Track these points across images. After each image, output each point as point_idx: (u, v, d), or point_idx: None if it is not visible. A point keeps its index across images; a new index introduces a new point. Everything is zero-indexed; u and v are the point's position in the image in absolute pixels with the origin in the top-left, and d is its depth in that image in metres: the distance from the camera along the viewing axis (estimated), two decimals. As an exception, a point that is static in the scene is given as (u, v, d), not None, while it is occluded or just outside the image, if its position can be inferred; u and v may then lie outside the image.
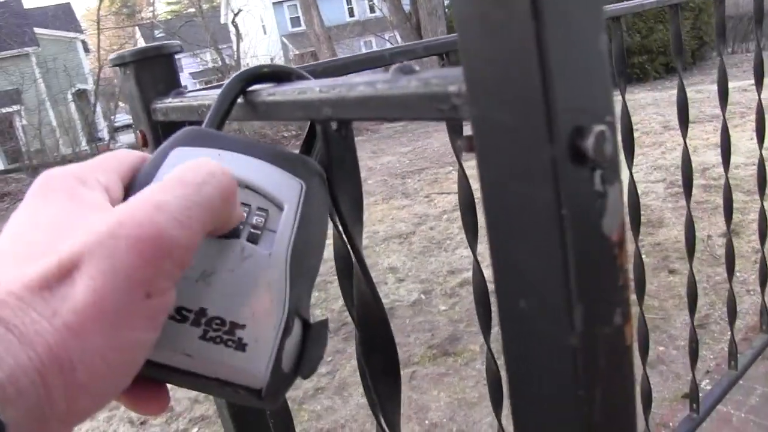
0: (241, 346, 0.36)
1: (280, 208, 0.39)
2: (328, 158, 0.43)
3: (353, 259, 0.45)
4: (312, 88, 0.40)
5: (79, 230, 0.32)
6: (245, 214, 0.39)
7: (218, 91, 0.48)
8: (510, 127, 0.27)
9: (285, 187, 0.40)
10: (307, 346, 0.40)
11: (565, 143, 0.26)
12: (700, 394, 1.60)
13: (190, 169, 0.34)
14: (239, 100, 0.47)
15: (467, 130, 0.31)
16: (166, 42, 0.68)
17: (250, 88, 0.47)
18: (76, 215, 0.34)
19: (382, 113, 0.34)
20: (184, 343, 0.36)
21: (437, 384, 2.98)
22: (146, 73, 0.67)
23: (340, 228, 0.44)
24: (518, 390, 0.32)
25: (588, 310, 0.28)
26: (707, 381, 2.29)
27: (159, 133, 0.67)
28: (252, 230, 0.38)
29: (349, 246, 0.44)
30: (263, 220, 0.39)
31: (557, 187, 0.26)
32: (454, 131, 0.88)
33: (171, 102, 0.63)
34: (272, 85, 0.45)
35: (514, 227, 0.28)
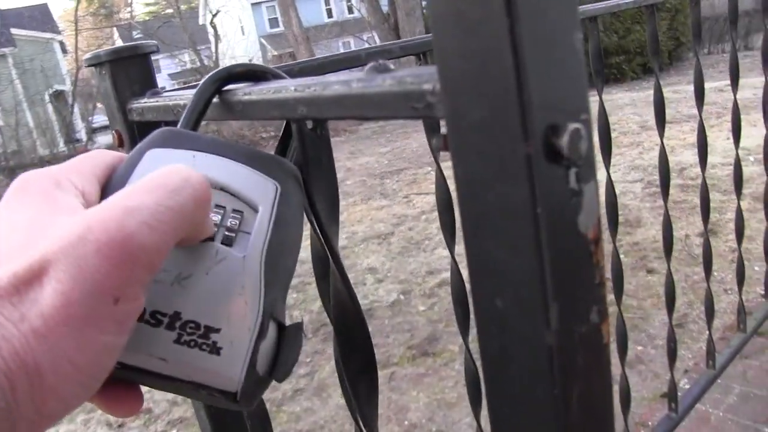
0: (215, 349, 0.36)
1: (255, 210, 0.39)
2: (303, 158, 0.43)
3: (330, 259, 0.44)
4: (287, 87, 0.39)
5: (50, 234, 0.31)
6: (220, 217, 0.38)
7: (194, 91, 0.48)
8: (484, 125, 0.26)
9: (259, 189, 0.40)
10: (281, 349, 0.39)
11: (540, 141, 0.26)
12: (679, 394, 1.61)
13: (164, 174, 0.33)
14: (215, 100, 0.47)
15: (444, 128, 0.31)
16: (141, 42, 0.67)
17: (226, 88, 0.47)
18: (49, 219, 0.33)
19: (357, 112, 0.34)
20: (159, 347, 0.35)
21: (416, 384, 2.98)
22: (122, 73, 0.66)
23: (317, 228, 0.43)
24: (495, 389, 0.32)
25: (564, 308, 0.28)
26: (686, 380, 2.31)
27: (135, 133, 0.67)
28: (226, 233, 0.38)
29: (325, 246, 0.44)
30: (238, 222, 0.38)
31: (532, 186, 0.26)
32: (432, 130, 0.88)
33: (147, 102, 0.62)
34: (248, 84, 0.45)
35: (489, 226, 0.28)
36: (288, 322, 0.40)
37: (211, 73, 0.46)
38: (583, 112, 0.27)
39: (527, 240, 0.27)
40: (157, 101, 0.60)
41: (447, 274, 4.02)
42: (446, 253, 4.60)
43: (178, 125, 0.44)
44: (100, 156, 0.40)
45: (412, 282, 4.27)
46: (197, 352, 0.36)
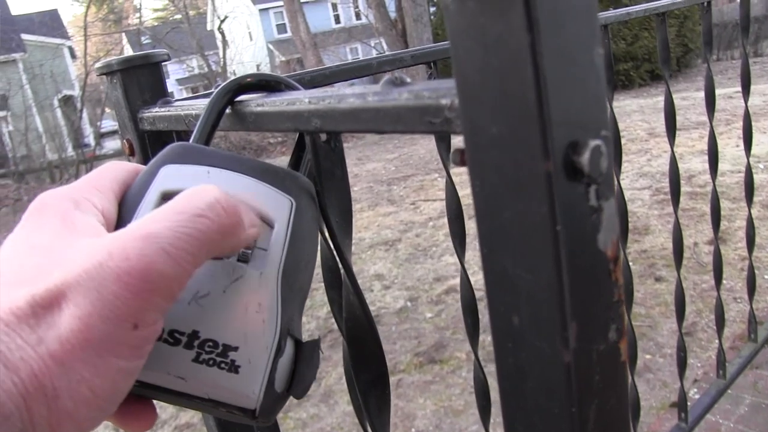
0: (234, 368, 0.36)
1: (271, 225, 0.39)
2: (316, 170, 0.43)
3: (342, 271, 0.44)
4: (301, 99, 0.39)
5: (70, 257, 0.31)
6: None
7: (205, 100, 0.48)
8: (503, 141, 0.26)
9: (275, 205, 0.40)
10: (299, 366, 0.39)
11: (560, 158, 0.25)
12: (689, 404, 1.60)
13: (188, 198, 0.33)
14: (227, 111, 0.47)
15: (455, 139, 0.30)
16: (153, 50, 0.67)
17: (238, 99, 0.46)
18: (68, 241, 0.33)
19: (372, 126, 0.34)
20: (177, 366, 0.36)
21: (423, 392, 2.97)
22: (133, 81, 0.66)
23: (329, 240, 0.43)
24: (511, 406, 0.32)
25: (583, 327, 0.28)
26: (695, 390, 2.30)
27: (146, 142, 0.67)
28: (243, 249, 0.38)
29: (338, 258, 0.43)
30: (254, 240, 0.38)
31: (552, 203, 0.26)
32: (442, 140, 0.88)
33: (158, 111, 0.62)
34: (261, 95, 0.45)
35: (507, 243, 0.28)
36: (303, 338, 0.40)
37: (222, 85, 0.46)
38: (603, 128, 0.27)
39: (546, 258, 0.27)
40: (168, 111, 0.60)
41: (454, 281, 4.01)
42: (453, 260, 4.59)
43: (191, 139, 0.44)
44: (117, 170, 0.40)
45: (419, 289, 4.26)
46: (216, 371, 0.36)
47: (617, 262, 0.29)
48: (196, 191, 0.34)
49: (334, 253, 0.43)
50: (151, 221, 0.32)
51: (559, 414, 0.29)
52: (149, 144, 0.67)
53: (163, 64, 0.70)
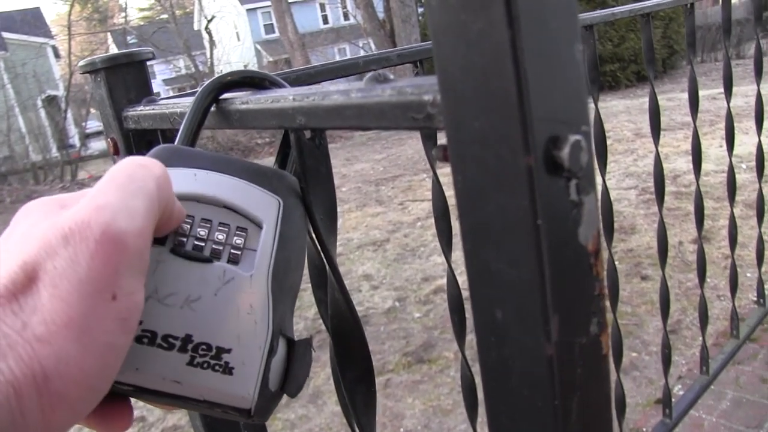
0: (228, 369, 0.37)
1: (259, 226, 0.40)
2: (301, 167, 0.43)
3: (327, 268, 0.44)
4: (285, 97, 0.39)
5: (35, 235, 0.32)
6: (225, 235, 0.39)
7: (190, 99, 0.48)
8: (485, 136, 0.26)
9: (263, 205, 0.40)
10: (292, 365, 0.40)
11: (541, 153, 0.26)
12: (673, 400, 1.61)
13: (119, 168, 0.35)
14: (212, 108, 0.47)
15: (441, 138, 0.31)
16: (137, 49, 0.67)
17: (223, 96, 0.46)
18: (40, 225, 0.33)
19: (356, 122, 0.34)
20: (172, 370, 0.36)
21: (412, 391, 2.97)
22: (117, 80, 0.66)
23: (315, 238, 0.43)
24: (494, 400, 0.32)
25: (564, 320, 0.28)
26: (680, 386, 2.32)
27: (130, 140, 0.66)
28: (232, 251, 0.38)
29: (323, 255, 0.43)
30: (243, 239, 0.39)
31: (533, 197, 0.26)
32: (429, 139, 0.88)
33: (143, 110, 0.62)
34: (245, 93, 0.45)
35: (489, 237, 0.28)
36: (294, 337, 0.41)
37: (206, 84, 0.46)
38: (584, 124, 0.27)
39: (527, 252, 0.27)
40: (153, 109, 0.60)
41: (442, 281, 4.02)
42: (441, 260, 4.60)
43: (176, 140, 0.44)
44: None
45: (408, 289, 4.26)
46: (210, 374, 0.36)
47: (598, 256, 0.30)
48: (122, 161, 0.35)
49: (319, 249, 0.44)
50: (95, 195, 0.33)
51: (542, 407, 0.30)
52: (134, 143, 0.67)
53: (149, 64, 0.70)
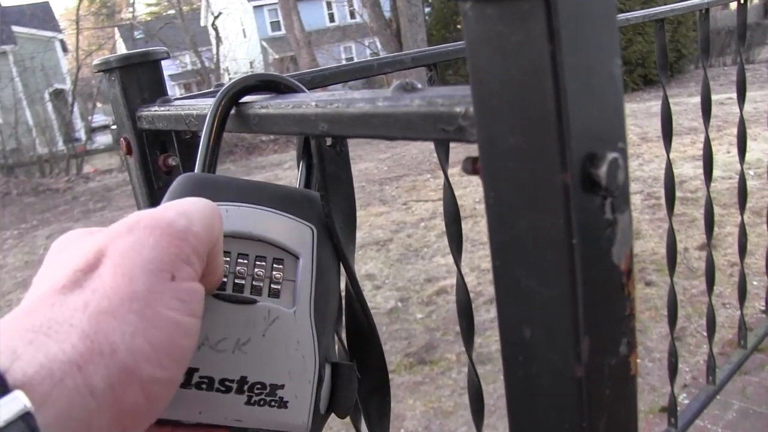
0: (283, 404, 0.39)
1: (296, 256, 0.41)
2: (321, 175, 0.42)
3: (345, 276, 0.44)
4: (307, 102, 0.38)
5: (102, 233, 0.34)
6: (263, 270, 0.40)
7: (206, 100, 0.47)
8: (520, 151, 0.26)
9: (297, 235, 0.41)
10: (339, 388, 0.42)
11: (578, 170, 0.25)
12: (678, 408, 1.60)
13: (176, 201, 0.37)
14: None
15: (457, 148, 0.30)
16: (152, 48, 0.66)
17: (242, 100, 0.46)
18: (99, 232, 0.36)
19: (381, 131, 0.33)
20: (232, 411, 0.38)
21: (413, 393, 2.97)
22: (132, 79, 0.65)
23: (334, 245, 0.43)
24: (519, 419, 0.32)
25: (595, 341, 0.28)
26: (684, 395, 2.30)
27: (144, 140, 0.66)
28: (272, 285, 0.40)
29: (342, 264, 0.43)
30: (281, 272, 0.40)
31: (568, 215, 0.25)
32: (441, 144, 0.87)
33: (157, 110, 0.61)
34: (265, 96, 0.44)
35: (520, 254, 0.27)
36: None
37: (223, 89, 0.45)
38: (621, 141, 0.27)
39: (560, 270, 0.26)
40: (167, 110, 0.59)
41: (445, 282, 4.01)
42: (444, 261, 4.59)
43: (196, 167, 0.45)
44: None
45: (410, 289, 4.26)
46: (267, 409, 0.39)
47: (630, 276, 0.29)
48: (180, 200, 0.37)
49: (338, 257, 0.43)
50: (164, 204, 0.36)
51: (569, 429, 0.29)
52: (147, 143, 0.66)
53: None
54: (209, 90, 0.70)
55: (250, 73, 0.45)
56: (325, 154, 0.41)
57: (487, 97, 0.26)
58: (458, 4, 0.26)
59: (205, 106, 0.52)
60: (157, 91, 0.66)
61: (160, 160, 0.66)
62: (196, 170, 0.45)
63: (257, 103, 0.44)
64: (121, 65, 0.65)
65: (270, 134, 0.43)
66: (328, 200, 0.42)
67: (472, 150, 0.29)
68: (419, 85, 0.32)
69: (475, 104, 0.27)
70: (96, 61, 0.67)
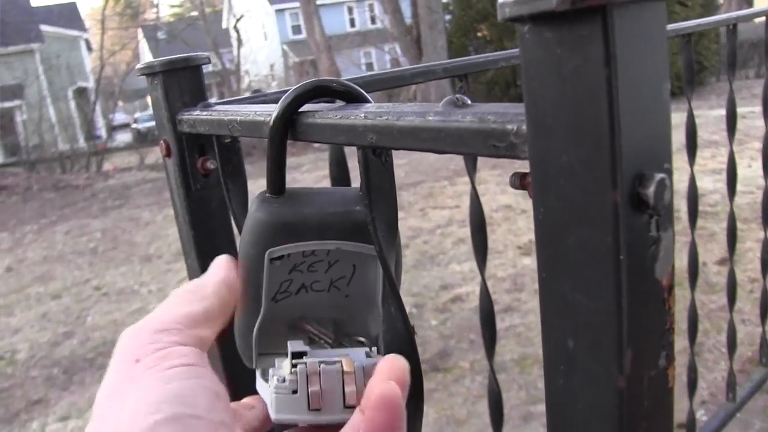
0: None
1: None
2: (366, 184, 0.43)
3: (385, 282, 0.45)
4: (356, 114, 0.40)
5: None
6: None
7: (251, 107, 0.48)
8: (573, 170, 0.27)
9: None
10: None
11: (627, 190, 0.26)
12: (697, 426, 1.60)
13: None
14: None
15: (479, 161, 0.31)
16: (194, 54, 0.68)
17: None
18: None
19: (431, 145, 0.34)
20: None
21: (426, 399, 2.95)
22: (173, 83, 0.67)
23: (377, 253, 0.44)
24: (558, 426, 0.33)
25: (637, 353, 0.29)
26: (702, 411, 2.29)
27: (183, 144, 0.67)
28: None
29: (383, 271, 0.44)
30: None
31: (617, 233, 0.26)
32: (470, 158, 0.88)
33: (199, 114, 0.63)
34: (323, 105, 0.45)
35: (568, 268, 0.29)
36: None
37: (283, 98, 0.45)
38: (667, 162, 0.28)
39: (606, 285, 0.27)
40: (210, 114, 0.61)
41: (460, 290, 3.99)
42: (460, 268, 4.59)
43: (267, 189, 0.47)
44: (197, 295, 0.44)
45: (425, 296, 4.26)
46: None
47: (671, 291, 0.30)
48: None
49: (380, 265, 0.44)
50: None
51: (608, 437, 0.30)
52: (186, 146, 0.68)
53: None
54: (247, 96, 0.71)
55: (308, 81, 0.46)
56: (371, 164, 0.43)
57: (541, 116, 0.27)
58: (516, 26, 0.27)
59: (249, 112, 0.53)
60: (198, 96, 0.68)
61: (199, 163, 0.68)
62: (267, 189, 0.46)
63: (305, 113, 0.45)
64: (164, 69, 0.67)
65: (315, 142, 0.44)
66: (371, 209, 0.43)
67: (488, 160, 0.30)
68: (469, 101, 0.34)
69: (528, 123, 0.28)
70: (139, 65, 0.69)
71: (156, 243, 6.79)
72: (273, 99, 0.61)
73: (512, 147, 0.30)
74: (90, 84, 22.76)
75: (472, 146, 0.32)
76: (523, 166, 0.30)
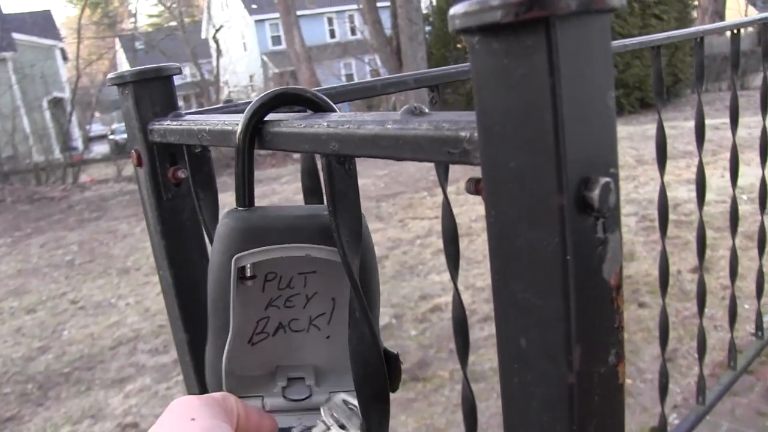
0: None
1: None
2: (330, 191, 0.44)
3: (351, 288, 0.46)
4: (319, 122, 0.41)
5: None
6: None
7: (218, 117, 0.49)
8: (521, 175, 0.28)
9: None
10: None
11: (573, 193, 0.27)
12: (668, 429, 1.62)
13: None
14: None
15: (453, 169, 0.32)
16: (165, 64, 0.69)
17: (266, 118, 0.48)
18: None
19: (390, 152, 0.35)
20: None
21: (405, 409, 2.97)
22: (144, 93, 0.67)
23: (342, 259, 0.45)
24: (513, 424, 0.34)
25: (586, 350, 0.30)
26: (675, 415, 2.32)
27: (154, 153, 0.68)
28: None
29: (347, 275, 0.45)
30: None
31: (563, 235, 0.28)
32: (442, 166, 0.90)
33: (169, 124, 0.63)
34: (287, 114, 0.46)
35: (518, 269, 0.30)
36: None
37: (248, 109, 0.46)
38: (612, 166, 0.29)
39: (555, 285, 0.29)
40: (180, 124, 0.62)
41: (440, 300, 4.00)
42: (439, 278, 4.60)
43: (236, 202, 0.47)
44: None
45: (405, 306, 4.27)
46: None
47: (619, 291, 0.31)
48: None
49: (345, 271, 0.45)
50: None
51: (560, 431, 0.31)
52: (158, 156, 0.68)
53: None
54: (217, 106, 0.72)
55: (273, 89, 0.47)
56: (335, 172, 0.44)
57: (491, 124, 0.28)
58: (465, 37, 0.29)
59: (218, 122, 0.54)
60: (169, 106, 0.68)
61: (170, 173, 0.68)
62: (236, 203, 0.47)
63: (272, 122, 0.46)
64: (135, 79, 0.67)
65: (281, 150, 0.45)
66: (336, 216, 0.44)
67: (471, 170, 0.31)
68: (426, 110, 0.35)
69: (479, 130, 0.29)
70: (110, 75, 0.70)
71: (134, 255, 6.73)
72: (242, 109, 0.61)
73: (466, 153, 0.31)
74: (66, 94, 22.54)
75: (429, 153, 0.33)
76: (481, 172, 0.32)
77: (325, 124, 0.40)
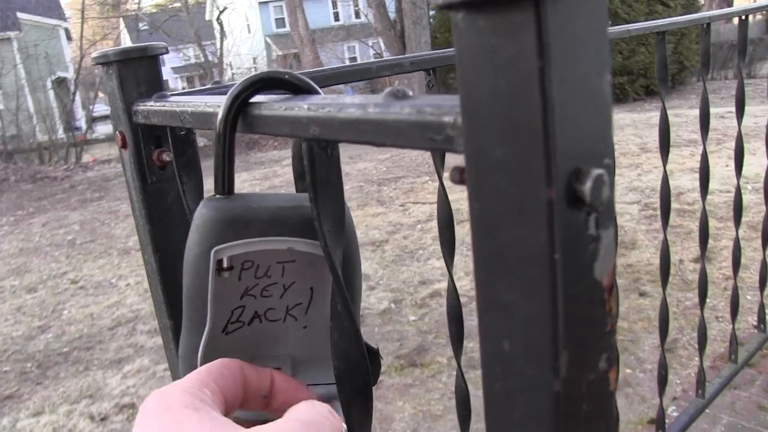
0: None
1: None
2: (311, 177, 0.42)
3: (331, 277, 0.44)
4: (300, 105, 0.38)
5: None
6: None
7: (203, 98, 0.47)
8: (506, 164, 0.26)
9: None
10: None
11: (563, 186, 0.25)
12: (667, 421, 1.61)
13: (309, 411, 0.39)
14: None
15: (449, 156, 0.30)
16: (150, 43, 0.66)
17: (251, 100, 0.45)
18: None
19: (371, 137, 0.33)
20: None
21: (403, 395, 2.97)
22: (129, 73, 0.65)
23: (323, 248, 0.43)
24: (496, 430, 0.32)
25: (574, 356, 0.28)
26: (674, 407, 2.30)
27: (139, 135, 0.66)
28: None
29: (328, 267, 0.43)
30: None
31: (551, 231, 0.25)
32: (437, 152, 0.87)
33: (153, 105, 0.61)
34: (271, 96, 0.44)
35: (503, 267, 0.27)
36: None
37: (230, 93, 0.44)
38: (607, 157, 0.27)
39: (542, 285, 0.26)
40: (163, 105, 0.59)
41: (439, 285, 4.00)
42: (439, 264, 4.59)
43: (215, 190, 0.45)
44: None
45: (404, 291, 4.26)
46: None
47: (612, 292, 0.29)
48: (312, 406, 0.40)
49: (326, 260, 0.43)
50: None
51: (545, 442, 0.29)
52: (142, 138, 0.66)
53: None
54: (206, 87, 0.70)
55: (256, 73, 0.45)
56: (316, 158, 0.41)
57: (475, 108, 0.26)
58: (450, 14, 0.26)
59: (200, 103, 0.52)
60: (155, 86, 0.66)
61: (155, 155, 0.66)
62: (215, 190, 0.45)
63: (255, 104, 0.44)
64: (119, 59, 0.65)
65: (262, 134, 0.43)
66: (317, 203, 0.42)
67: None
68: (410, 93, 0.32)
69: (463, 115, 0.27)
70: (94, 54, 0.67)
71: (135, 236, 6.71)
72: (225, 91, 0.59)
73: (449, 140, 0.29)
74: (70, 74, 22.47)
75: (410, 139, 0.30)
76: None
77: (306, 106, 0.38)
